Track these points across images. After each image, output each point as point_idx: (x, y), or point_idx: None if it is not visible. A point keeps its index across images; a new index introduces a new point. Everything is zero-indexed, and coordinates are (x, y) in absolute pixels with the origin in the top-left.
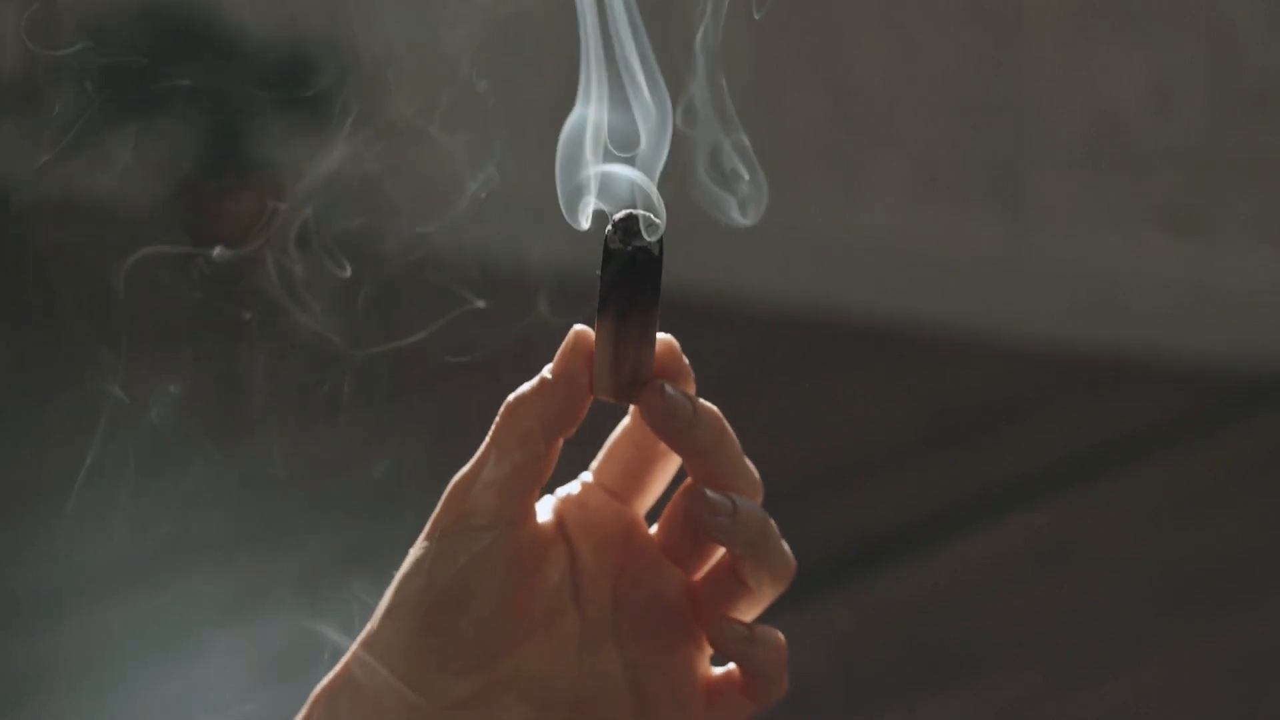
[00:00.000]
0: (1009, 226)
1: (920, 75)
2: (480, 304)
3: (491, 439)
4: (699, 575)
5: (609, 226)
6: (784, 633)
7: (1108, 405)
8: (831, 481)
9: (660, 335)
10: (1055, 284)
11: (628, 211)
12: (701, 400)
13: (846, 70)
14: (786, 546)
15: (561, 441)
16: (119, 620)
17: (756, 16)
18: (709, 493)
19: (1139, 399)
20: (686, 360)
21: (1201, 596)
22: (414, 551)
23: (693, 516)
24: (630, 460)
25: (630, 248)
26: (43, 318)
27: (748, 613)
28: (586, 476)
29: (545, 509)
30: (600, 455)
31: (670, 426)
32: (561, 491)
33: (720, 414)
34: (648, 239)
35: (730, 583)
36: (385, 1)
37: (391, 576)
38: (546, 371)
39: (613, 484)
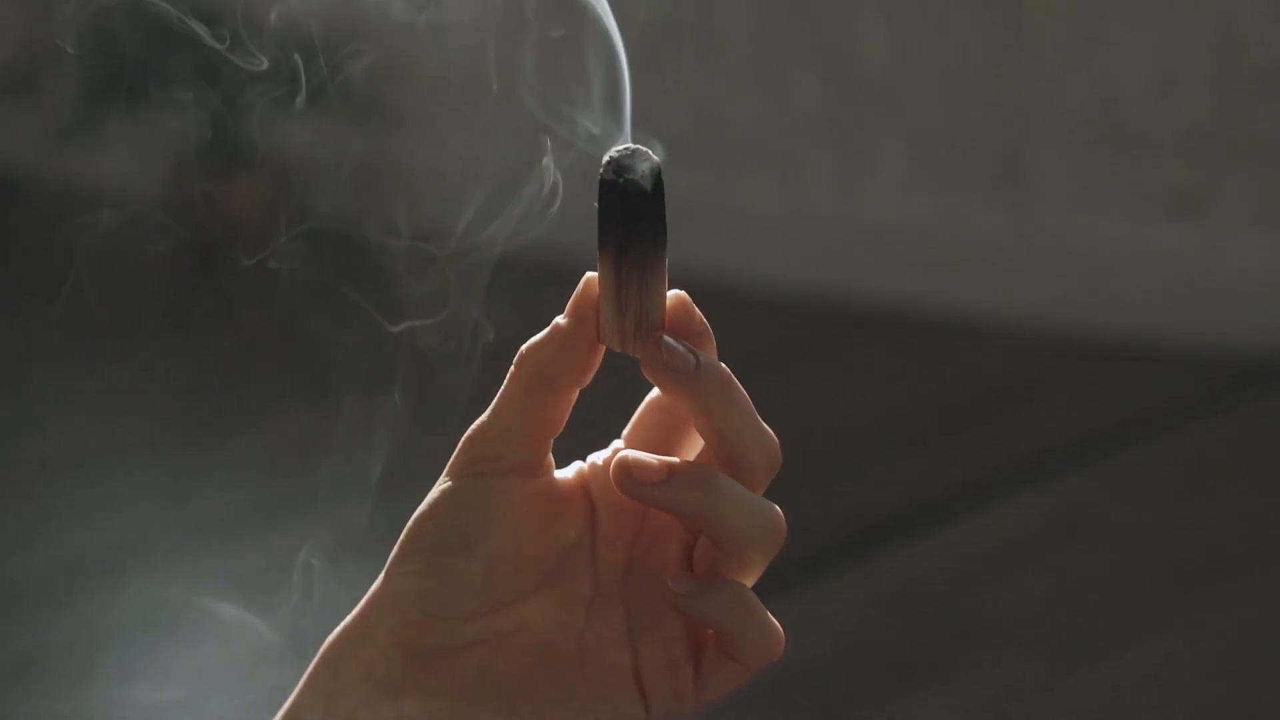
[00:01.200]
0: (1012, 210)
1: (923, 60)
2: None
3: (504, 387)
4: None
5: (604, 158)
6: (787, 614)
7: (1110, 388)
8: (835, 465)
9: (673, 291)
10: (1058, 267)
11: (624, 145)
12: (710, 357)
13: (849, 54)
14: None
15: (576, 391)
16: (126, 604)
17: None
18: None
19: (1141, 382)
20: (703, 317)
21: (1204, 578)
22: (429, 495)
23: (653, 428)
24: (657, 428)
25: (621, 180)
26: (44, 304)
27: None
28: (618, 443)
29: (573, 471)
30: (630, 422)
31: (669, 379)
32: (593, 456)
33: (729, 373)
34: (641, 174)
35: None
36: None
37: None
38: (559, 319)
39: (640, 449)
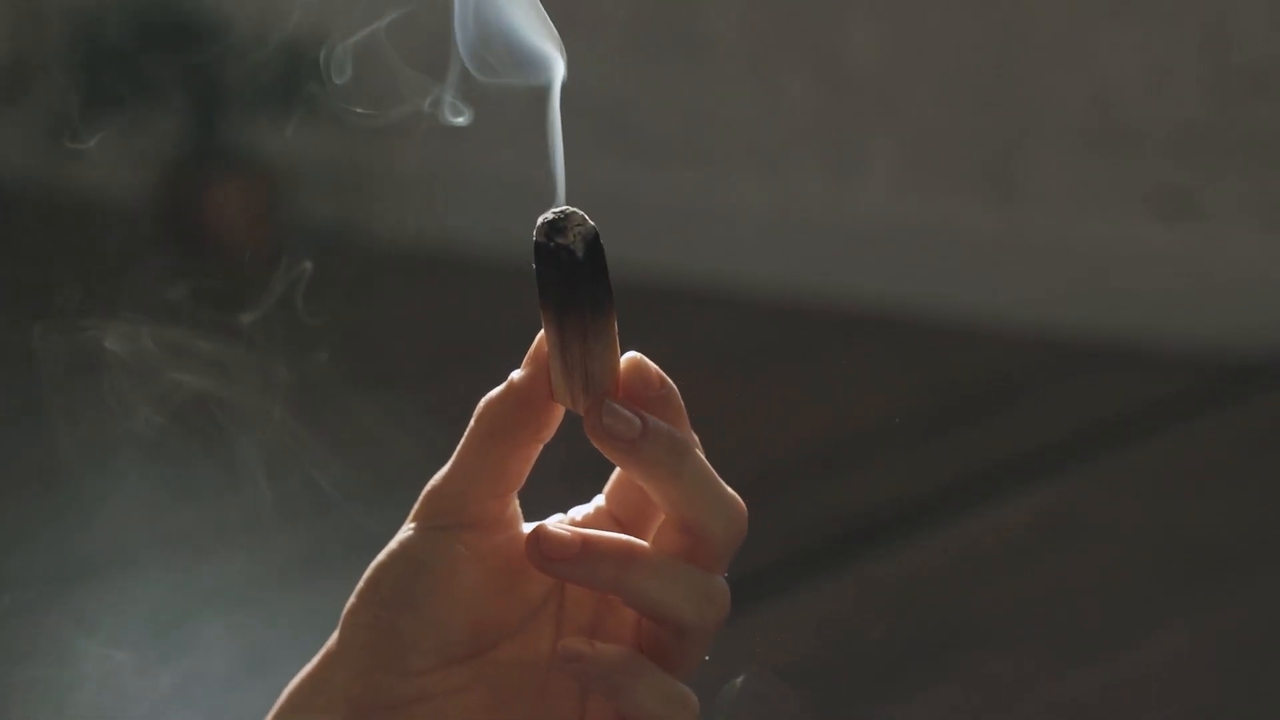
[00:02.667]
0: (1003, 210)
1: (915, 60)
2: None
3: (464, 439)
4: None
5: (539, 220)
6: (782, 614)
7: (1102, 388)
8: (827, 464)
9: (628, 353)
10: (1049, 267)
11: (560, 209)
12: (660, 423)
13: (839, 54)
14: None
15: (537, 447)
16: (119, 605)
17: None
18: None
19: (1133, 381)
20: (665, 378)
21: (1199, 577)
22: (389, 544)
23: (633, 484)
24: (635, 488)
25: (553, 244)
26: (41, 306)
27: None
28: (599, 500)
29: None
30: (611, 478)
31: (612, 445)
32: (574, 511)
33: (683, 439)
34: (573, 239)
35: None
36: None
37: None
38: (515, 373)
39: (619, 511)
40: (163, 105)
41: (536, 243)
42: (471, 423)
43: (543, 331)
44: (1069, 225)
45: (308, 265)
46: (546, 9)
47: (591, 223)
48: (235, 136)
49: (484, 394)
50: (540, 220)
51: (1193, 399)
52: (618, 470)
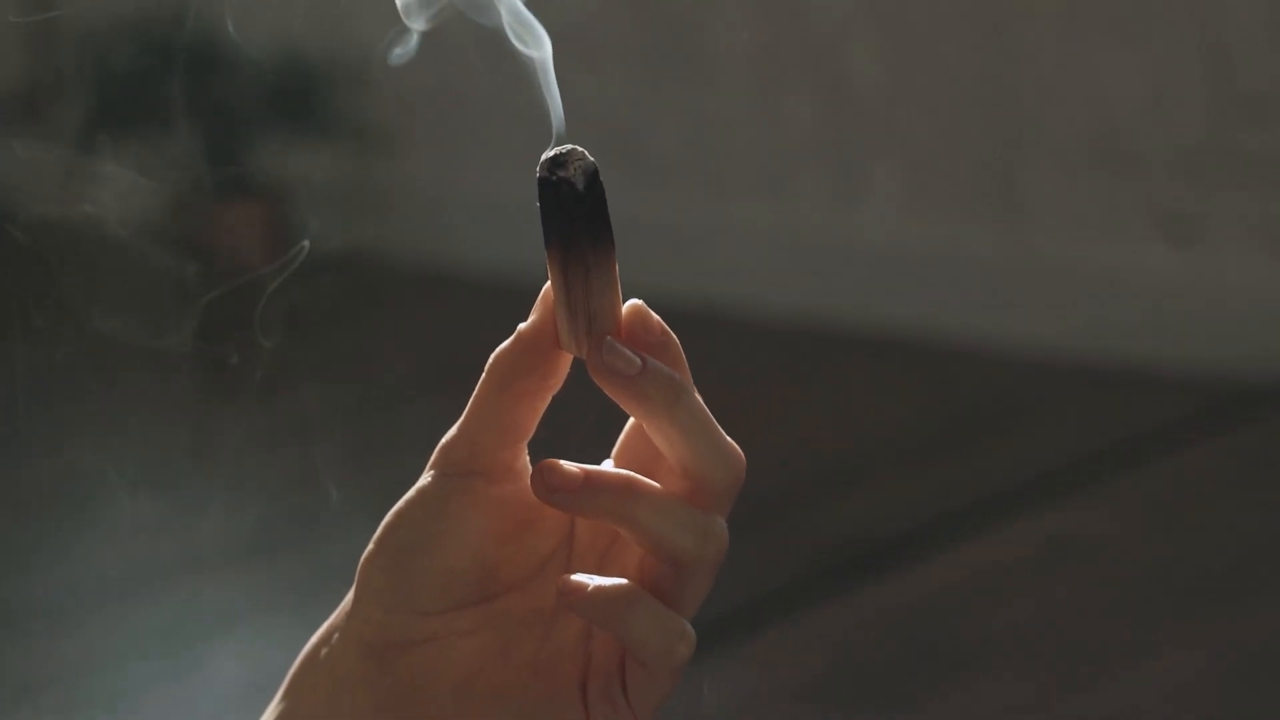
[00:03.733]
0: (1006, 233)
1: (917, 82)
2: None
3: (475, 391)
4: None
5: (541, 157)
6: (783, 637)
7: (1104, 410)
8: (829, 487)
9: (631, 300)
10: (1052, 290)
11: (561, 146)
12: (659, 364)
13: (844, 76)
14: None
15: (546, 396)
16: (125, 628)
17: None
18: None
19: (1136, 404)
20: (665, 326)
21: (1199, 601)
22: (406, 493)
23: (639, 448)
24: (643, 446)
25: (555, 178)
26: (45, 330)
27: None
28: (609, 461)
29: None
30: (619, 440)
31: (611, 382)
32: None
33: (682, 381)
34: (574, 171)
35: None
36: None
37: None
38: (522, 324)
39: (627, 468)
40: (174, 129)
41: (539, 178)
42: (483, 375)
43: (549, 281)
44: (1072, 248)
45: (316, 285)
46: (551, 34)
47: (591, 159)
48: (246, 160)
49: None
50: (543, 157)
51: (1197, 423)
52: (625, 431)
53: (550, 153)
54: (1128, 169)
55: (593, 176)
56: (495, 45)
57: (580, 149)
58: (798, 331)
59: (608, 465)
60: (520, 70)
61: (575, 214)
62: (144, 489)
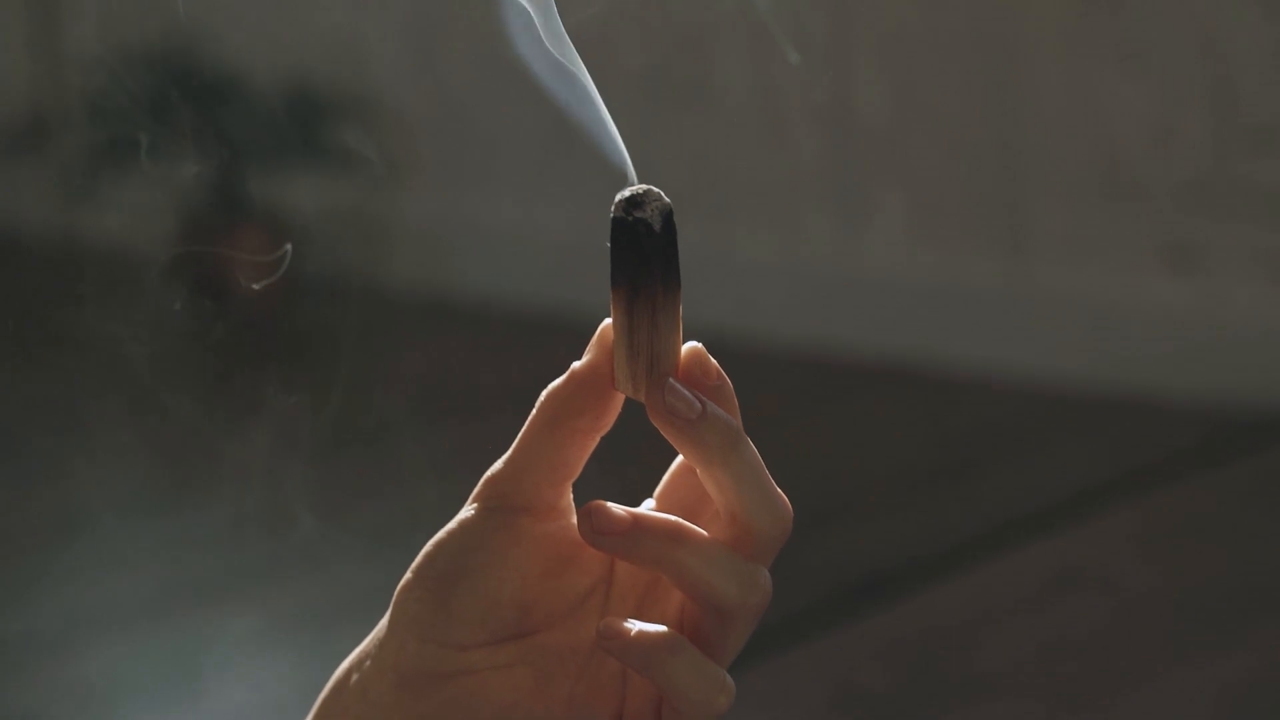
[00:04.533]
0: (1010, 263)
1: (922, 113)
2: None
3: (525, 427)
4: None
5: (616, 197)
6: (789, 665)
7: (1109, 440)
8: (834, 517)
9: (690, 343)
10: (1057, 320)
11: (638, 186)
12: (719, 409)
13: (848, 108)
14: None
15: (595, 436)
16: (118, 661)
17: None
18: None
19: (1140, 434)
20: (721, 371)
21: (1201, 628)
22: (448, 524)
23: (683, 489)
24: (687, 488)
25: (631, 218)
26: (45, 357)
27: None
28: (650, 503)
29: None
30: (663, 480)
31: (671, 425)
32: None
33: (740, 429)
34: (651, 212)
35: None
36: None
37: None
38: (576, 363)
39: (669, 510)
40: (178, 156)
41: (614, 219)
42: (534, 411)
43: (606, 322)
44: (1077, 279)
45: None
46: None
47: (667, 199)
48: (247, 189)
49: (484, 444)
50: (618, 197)
51: (1201, 452)
52: (669, 473)
53: (626, 193)
54: (1132, 200)
55: (669, 217)
56: (496, 76)
57: (656, 190)
58: (803, 362)
59: (649, 504)
60: (550, 113)
61: (649, 255)
62: (140, 519)
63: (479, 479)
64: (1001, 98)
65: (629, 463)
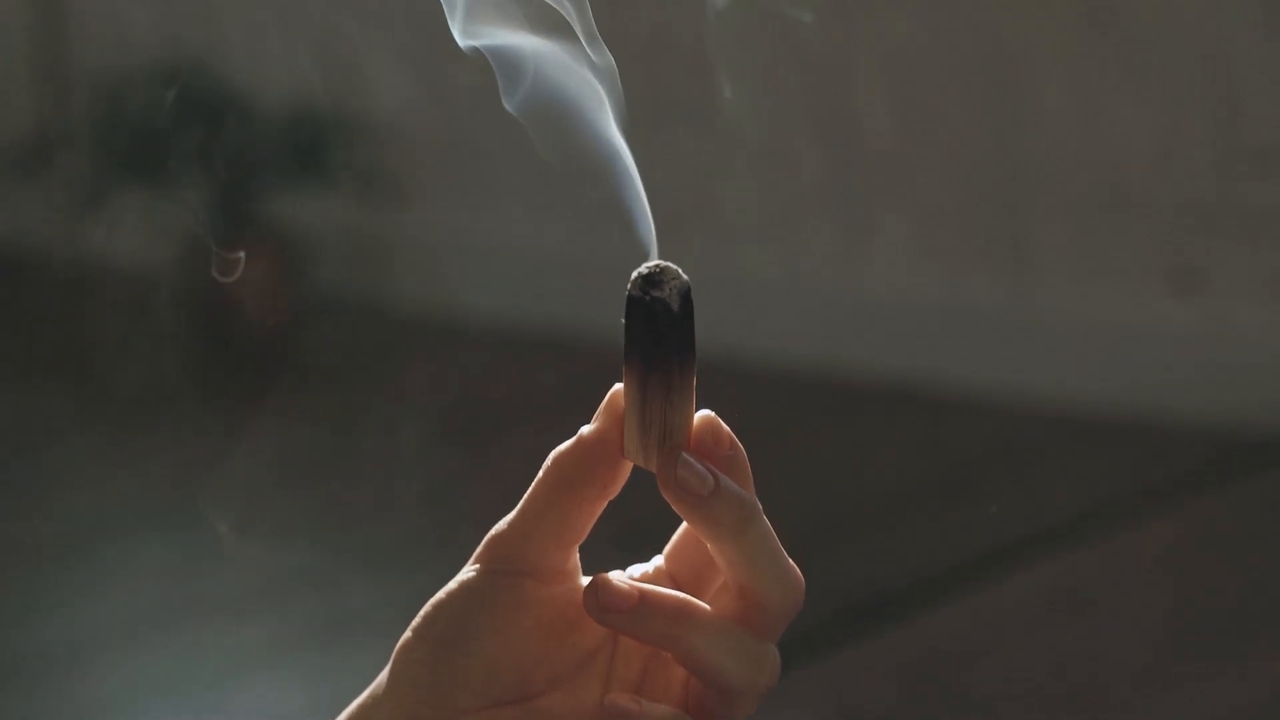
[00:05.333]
0: (1013, 283)
1: (925, 133)
2: None
3: (531, 489)
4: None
5: (634, 274)
6: (790, 686)
7: (1112, 460)
8: (837, 537)
9: (702, 411)
10: (1060, 340)
11: (655, 263)
12: (732, 483)
13: (851, 127)
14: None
15: (602, 501)
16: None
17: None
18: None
19: (1143, 454)
20: (734, 439)
21: (1207, 651)
22: (449, 584)
23: (693, 548)
24: (696, 548)
25: (648, 298)
26: (48, 376)
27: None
28: (659, 560)
29: None
30: (672, 540)
31: (683, 500)
32: (633, 569)
33: (754, 503)
34: (669, 292)
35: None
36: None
37: None
38: (585, 429)
39: (678, 572)
40: (182, 177)
41: (630, 296)
42: (540, 473)
43: (616, 388)
44: (1080, 299)
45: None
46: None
47: (685, 276)
48: (254, 209)
49: (485, 466)
50: (635, 274)
51: (1204, 473)
52: (679, 532)
53: (644, 269)
54: (1135, 220)
55: (687, 295)
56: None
57: (674, 267)
58: (806, 381)
59: (658, 561)
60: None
61: (667, 335)
62: (150, 534)
63: (482, 498)
64: (1005, 117)
65: (632, 500)
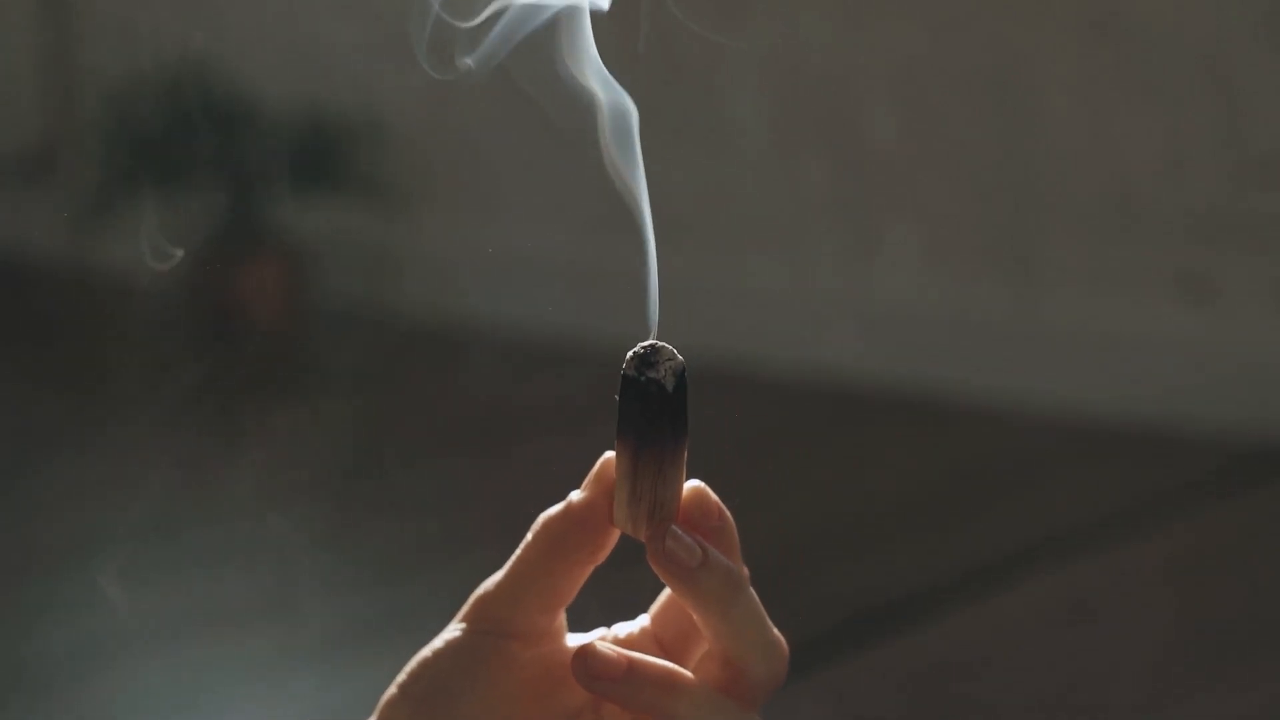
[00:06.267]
0: (1022, 293)
1: (932, 143)
2: None
3: (519, 551)
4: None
5: (629, 354)
6: (796, 695)
7: (1120, 470)
8: (843, 546)
9: (691, 482)
10: (1067, 349)
11: (650, 343)
12: (720, 556)
13: (860, 138)
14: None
15: (589, 566)
16: (136, 685)
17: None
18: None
19: (1151, 464)
20: (723, 509)
21: (1215, 662)
22: (434, 640)
23: (678, 610)
24: (680, 614)
25: (643, 378)
26: (56, 383)
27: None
28: (644, 620)
29: (594, 638)
30: (657, 601)
31: (671, 572)
32: (618, 628)
33: (740, 575)
34: (664, 373)
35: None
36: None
37: None
38: (574, 495)
39: (663, 633)
40: (191, 184)
41: (625, 376)
42: (528, 537)
43: (606, 457)
44: (1088, 309)
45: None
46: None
47: (680, 357)
48: (263, 215)
49: (492, 475)
50: (630, 354)
51: (1214, 482)
52: (664, 594)
53: (640, 349)
54: (1143, 231)
55: (681, 376)
56: (510, 106)
57: (670, 347)
58: (813, 391)
59: (644, 621)
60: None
61: (660, 414)
62: (152, 544)
63: (489, 507)
64: (1013, 127)
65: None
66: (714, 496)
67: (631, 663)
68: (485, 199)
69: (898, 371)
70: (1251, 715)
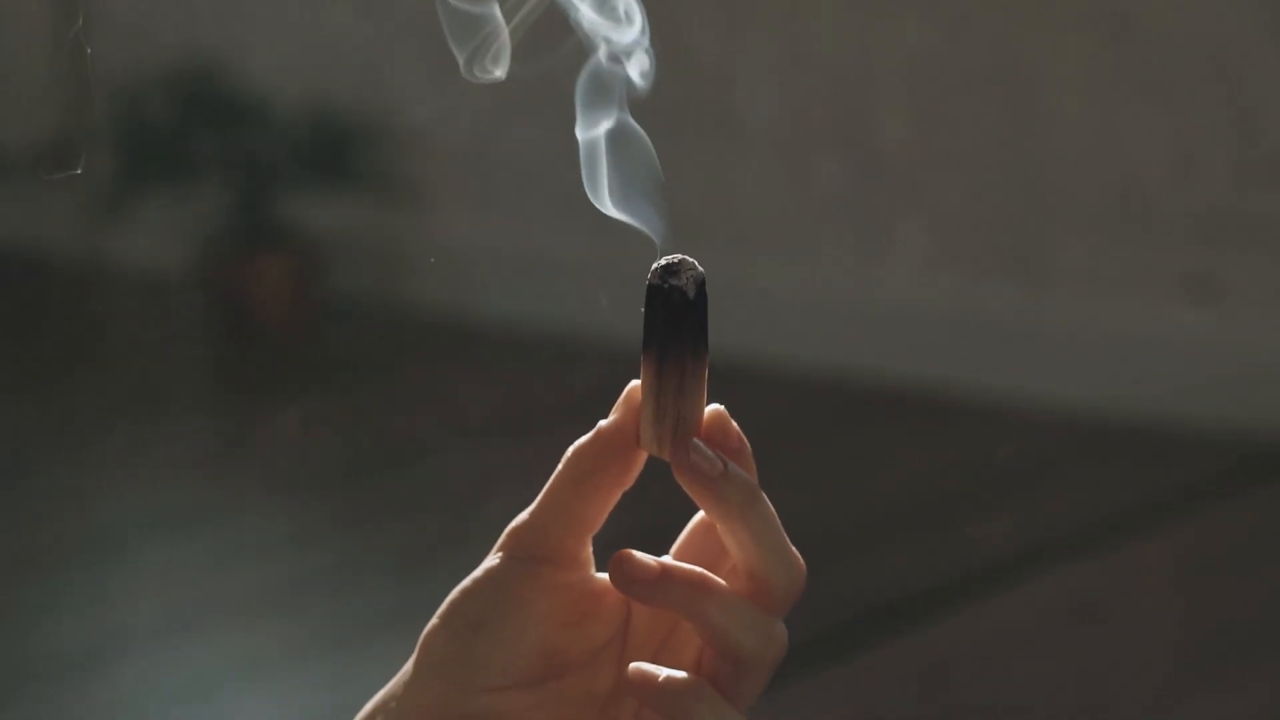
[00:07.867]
0: (1029, 292)
1: (942, 143)
2: None
3: (550, 481)
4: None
5: (653, 265)
6: (807, 691)
7: (1127, 470)
8: (850, 544)
9: (713, 405)
10: (1074, 349)
11: (673, 255)
12: (739, 469)
13: (869, 138)
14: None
15: (618, 492)
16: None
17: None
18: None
19: (1159, 464)
20: (741, 434)
21: (1220, 660)
22: (473, 572)
23: (699, 546)
24: (703, 547)
25: (666, 285)
26: (68, 379)
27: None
28: (668, 558)
29: None
30: (679, 538)
31: (694, 481)
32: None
33: (758, 489)
34: (685, 280)
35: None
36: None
37: None
38: (603, 422)
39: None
40: (204, 180)
41: (650, 285)
42: (560, 465)
43: (633, 384)
44: (1096, 308)
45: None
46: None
47: (701, 269)
48: (275, 211)
49: (504, 471)
50: (654, 265)
51: (1220, 482)
52: (687, 530)
53: (663, 261)
54: (1150, 231)
55: (701, 286)
56: (522, 102)
57: (691, 259)
58: (821, 388)
59: (666, 559)
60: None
61: (681, 321)
62: (166, 538)
63: (498, 501)
64: (1021, 127)
65: (642, 503)
66: (734, 423)
67: (664, 567)
68: (498, 195)
69: (904, 370)
70: (1255, 715)
